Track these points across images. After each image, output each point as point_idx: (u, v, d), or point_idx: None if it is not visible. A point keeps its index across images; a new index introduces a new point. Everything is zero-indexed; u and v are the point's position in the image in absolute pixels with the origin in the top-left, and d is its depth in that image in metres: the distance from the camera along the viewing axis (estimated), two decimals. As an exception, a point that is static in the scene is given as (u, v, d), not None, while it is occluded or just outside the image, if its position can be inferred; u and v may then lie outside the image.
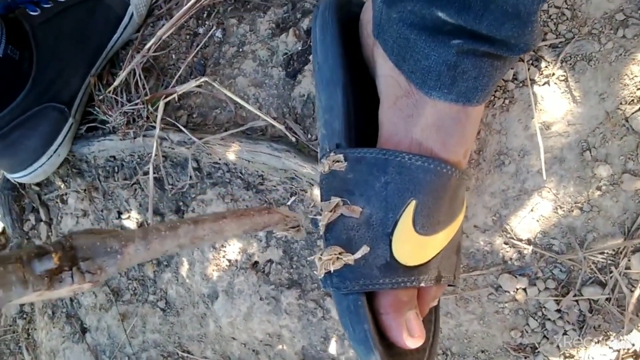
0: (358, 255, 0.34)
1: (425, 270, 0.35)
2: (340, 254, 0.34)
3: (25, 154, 0.63)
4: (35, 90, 0.60)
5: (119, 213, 0.62)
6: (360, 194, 0.35)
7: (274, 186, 0.52)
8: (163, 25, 0.65)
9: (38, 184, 0.72)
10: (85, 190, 0.64)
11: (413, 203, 0.34)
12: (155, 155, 0.55)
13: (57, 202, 0.69)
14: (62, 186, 0.68)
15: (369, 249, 0.34)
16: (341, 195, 0.36)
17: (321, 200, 0.38)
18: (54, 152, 0.65)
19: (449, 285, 0.44)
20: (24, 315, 0.75)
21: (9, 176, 0.66)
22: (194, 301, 0.56)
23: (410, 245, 0.34)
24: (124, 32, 0.67)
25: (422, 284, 0.34)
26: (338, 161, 0.37)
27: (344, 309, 0.34)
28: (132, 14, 0.67)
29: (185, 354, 0.58)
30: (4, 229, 0.84)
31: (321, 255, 0.35)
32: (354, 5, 0.46)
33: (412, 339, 0.33)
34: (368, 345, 0.33)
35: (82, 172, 0.65)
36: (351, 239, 0.35)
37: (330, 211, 0.35)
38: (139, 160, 0.60)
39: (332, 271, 0.34)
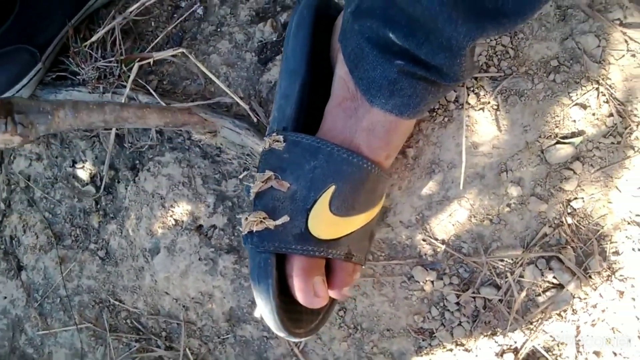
0: (279, 222, 0.40)
1: (334, 245, 0.41)
2: (264, 218, 0.40)
3: (-11, 89, 0.64)
4: (12, 31, 0.61)
5: (74, 162, 0.64)
6: (291, 172, 0.41)
7: (230, 159, 0.57)
8: (147, -9, 0.68)
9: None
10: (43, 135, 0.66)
11: (332, 188, 0.40)
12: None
13: (11, 142, 0.70)
14: (19, 127, 0.69)
15: (288, 218, 0.40)
16: (274, 170, 0.41)
17: (257, 172, 0.43)
18: (17, 91, 0.66)
19: (367, 269, 0.50)
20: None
21: (-33, 108, 0.67)
22: (134, 254, 0.59)
23: (324, 222, 0.40)
24: (108, -9, 0.69)
25: (330, 256, 0.41)
26: (278, 141, 0.42)
27: (255, 264, 0.40)
28: (117, -25, 0.69)
29: (116, 302, 0.61)
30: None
31: (248, 216, 0.40)
32: (332, 10, 0.51)
33: (317, 299, 0.39)
34: (268, 297, 0.39)
35: (43, 117, 0.67)
36: (275, 208, 0.40)
37: (263, 182, 0.41)
38: (103, 114, 0.63)
39: (254, 231, 0.40)
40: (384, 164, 0.44)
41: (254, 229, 0.40)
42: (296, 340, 0.41)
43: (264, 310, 0.39)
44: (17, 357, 0.67)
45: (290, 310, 0.40)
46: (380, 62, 0.39)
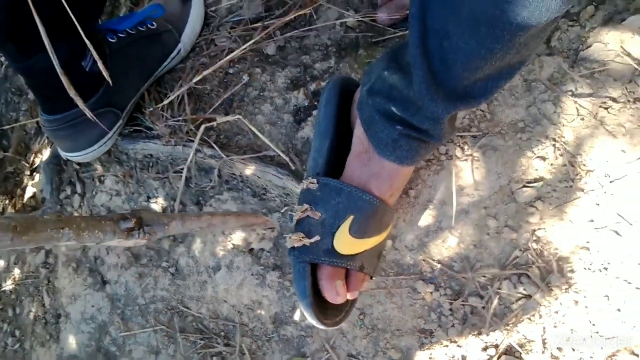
0: (312, 240, 0.57)
1: (352, 259, 0.58)
2: (302, 238, 0.57)
3: (83, 141, 0.82)
4: (103, 98, 0.79)
5: (148, 197, 0.82)
6: (321, 206, 0.58)
7: (273, 197, 0.74)
8: (202, 61, 0.86)
9: (79, 164, 0.90)
10: (123, 175, 0.83)
11: (351, 217, 0.57)
12: (190, 161, 0.75)
13: (93, 181, 0.88)
14: (101, 169, 0.87)
15: (319, 238, 0.57)
16: (310, 204, 0.58)
17: (297, 204, 0.60)
18: (104, 143, 0.84)
19: (379, 278, 0.66)
20: (47, 266, 0.92)
21: (63, 154, 0.85)
22: (199, 270, 0.76)
23: (345, 242, 0.57)
24: (171, 61, 0.87)
25: (348, 267, 0.58)
26: (312, 183, 0.59)
27: (296, 271, 0.57)
28: (180, 49, 0.87)
29: (184, 309, 0.78)
30: (34, 193, 1.02)
31: (291, 236, 0.57)
32: (352, 85, 0.68)
33: (338, 297, 0.56)
34: (305, 295, 0.56)
35: (122, 162, 0.85)
36: (310, 231, 0.57)
37: (302, 212, 0.58)
38: (171, 161, 0.80)
39: (295, 247, 0.57)
40: (389, 201, 0.61)
41: (295, 245, 0.57)
42: (324, 328, 0.58)
43: (302, 304, 0.56)
44: (102, 354, 0.84)
45: (320, 305, 0.57)
46: (386, 126, 0.56)
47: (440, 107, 0.50)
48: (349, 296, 0.59)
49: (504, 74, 0.48)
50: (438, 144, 0.58)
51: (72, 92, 0.40)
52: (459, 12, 0.42)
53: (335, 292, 0.56)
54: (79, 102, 0.41)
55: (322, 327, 0.57)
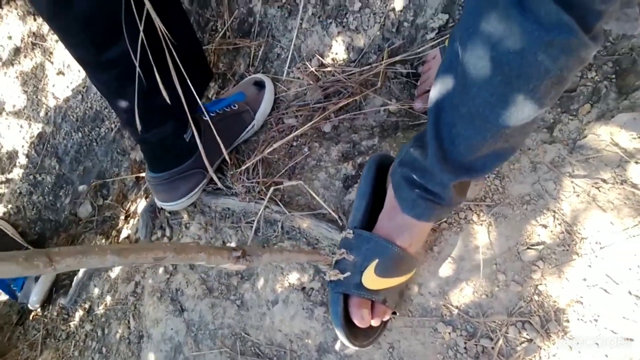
0: (345, 276, 0.74)
1: (376, 293, 0.74)
2: (338, 273, 0.74)
3: (176, 194, 1.04)
4: (195, 162, 1.01)
5: (224, 242, 1.02)
6: (355, 251, 0.76)
7: (323, 247, 0.92)
8: (272, 135, 1.08)
9: (170, 212, 1.12)
10: (205, 223, 1.04)
11: (377, 260, 0.74)
12: (259, 215, 0.95)
13: (180, 227, 1.09)
14: (187, 217, 1.08)
15: (350, 274, 0.74)
16: (346, 248, 0.76)
17: (337, 249, 0.77)
18: (191, 196, 1.05)
19: (407, 318, 0.81)
20: (135, 294, 1.13)
21: (159, 204, 1.07)
22: (260, 304, 0.94)
23: (371, 279, 0.73)
24: (247, 134, 1.10)
25: (373, 299, 0.74)
26: (349, 234, 0.77)
27: (332, 300, 0.75)
28: (254, 125, 1.10)
29: (246, 335, 0.95)
30: (129, 235, 1.24)
31: (329, 272, 0.74)
32: (388, 161, 0.87)
33: (363, 321, 0.73)
34: (338, 319, 0.73)
35: (204, 213, 1.06)
36: (344, 269, 0.75)
37: (340, 255, 0.75)
38: (244, 214, 1.00)
39: (332, 280, 0.74)
40: (409, 249, 0.77)
41: (332, 279, 0.74)
42: (352, 347, 0.73)
43: (336, 327, 0.73)
44: (175, 370, 1.02)
45: (351, 329, 0.73)
46: (408, 189, 0.73)
47: (446, 176, 0.67)
48: (373, 323, 0.74)
49: (499, 155, 0.65)
50: (448, 207, 0.74)
51: (205, 161, 0.60)
52: (461, 110, 0.60)
53: (361, 317, 0.73)
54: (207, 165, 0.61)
55: (350, 345, 0.73)
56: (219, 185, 1.04)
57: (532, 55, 0.49)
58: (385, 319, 0.77)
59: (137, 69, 0.77)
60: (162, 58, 0.80)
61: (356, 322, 0.73)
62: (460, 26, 0.56)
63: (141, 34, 0.74)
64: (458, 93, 0.60)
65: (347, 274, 0.74)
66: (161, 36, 0.77)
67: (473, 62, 0.54)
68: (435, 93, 0.64)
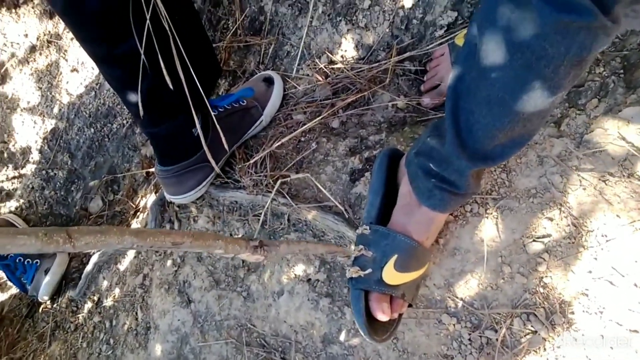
0: (365, 273, 0.73)
1: (395, 288, 0.74)
2: (357, 271, 0.74)
3: (184, 188, 1.05)
4: (202, 156, 1.02)
5: (231, 234, 1.03)
6: (373, 247, 0.75)
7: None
8: (281, 130, 1.09)
9: (178, 206, 1.14)
10: (213, 216, 1.05)
11: (396, 256, 0.73)
12: (267, 207, 0.96)
13: (188, 220, 1.10)
14: (195, 211, 1.10)
15: (371, 271, 0.74)
16: (364, 244, 0.76)
17: (354, 245, 0.78)
18: (199, 190, 1.07)
19: (411, 309, 0.82)
20: (143, 286, 1.14)
21: (168, 197, 1.08)
22: (266, 295, 0.95)
23: (390, 275, 0.73)
24: (255, 129, 1.11)
25: (392, 294, 0.74)
26: (366, 229, 0.77)
27: (353, 297, 0.74)
28: (262, 120, 1.11)
29: (251, 326, 0.96)
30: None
31: (350, 269, 0.74)
32: (398, 155, 0.87)
33: (383, 315, 0.72)
34: (360, 315, 0.72)
35: (212, 206, 1.07)
36: (364, 266, 0.75)
37: (358, 251, 0.75)
38: (252, 207, 1.01)
39: (352, 277, 0.74)
40: (426, 243, 0.77)
41: (353, 276, 0.74)
42: (373, 342, 0.73)
43: (358, 322, 0.73)
44: (181, 361, 1.03)
45: (372, 324, 0.73)
46: (425, 180, 0.73)
47: (464, 164, 0.67)
48: (392, 316, 0.75)
49: (515, 143, 0.65)
50: (463, 196, 0.74)
51: (208, 155, 0.61)
52: (480, 96, 0.61)
53: (382, 312, 0.73)
54: (211, 160, 0.63)
55: (371, 341, 0.73)
56: (225, 179, 1.05)
57: (552, 38, 0.49)
58: (402, 312, 0.78)
59: (142, 57, 0.78)
60: (171, 53, 0.82)
61: (377, 316, 0.73)
62: (480, 12, 0.57)
63: (146, 28, 0.76)
64: (476, 78, 0.60)
65: (368, 270, 0.74)
66: (168, 32, 0.79)
67: (492, 47, 0.55)
68: (453, 79, 0.64)
